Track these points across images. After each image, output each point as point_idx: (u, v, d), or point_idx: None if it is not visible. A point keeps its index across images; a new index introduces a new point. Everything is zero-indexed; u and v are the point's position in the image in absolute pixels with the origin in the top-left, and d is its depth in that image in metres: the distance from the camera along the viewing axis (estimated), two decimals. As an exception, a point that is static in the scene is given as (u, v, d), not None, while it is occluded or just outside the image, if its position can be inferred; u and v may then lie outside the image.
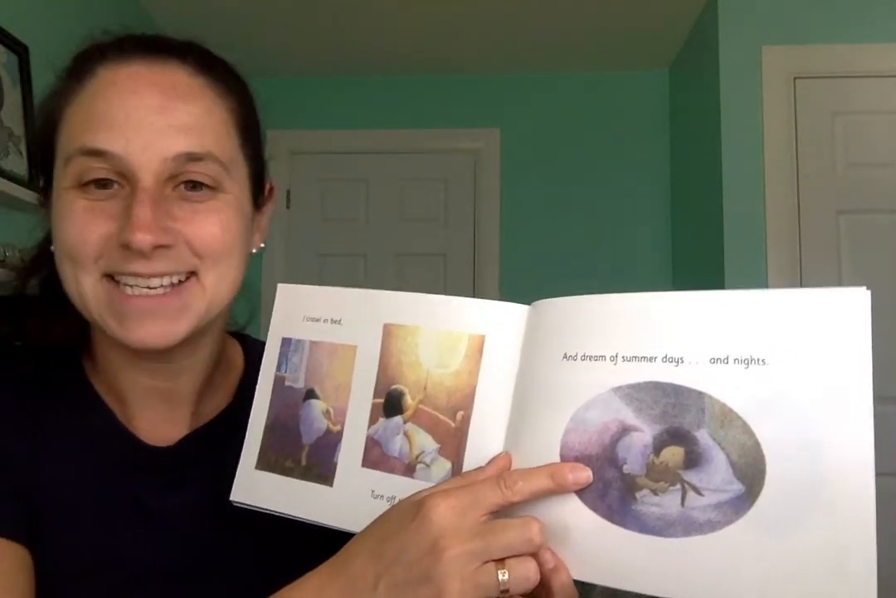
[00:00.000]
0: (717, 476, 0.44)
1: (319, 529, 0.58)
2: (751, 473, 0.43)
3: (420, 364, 0.55)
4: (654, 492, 0.45)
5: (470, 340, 0.54)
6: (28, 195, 1.90)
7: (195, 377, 0.69)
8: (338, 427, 0.58)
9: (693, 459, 0.45)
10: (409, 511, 0.48)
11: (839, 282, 2.38)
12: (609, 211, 3.13)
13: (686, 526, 0.44)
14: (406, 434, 0.55)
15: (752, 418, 0.44)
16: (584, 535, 0.47)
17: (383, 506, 0.53)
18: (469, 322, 0.55)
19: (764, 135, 2.41)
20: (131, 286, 0.59)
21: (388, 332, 0.57)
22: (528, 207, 3.16)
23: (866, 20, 2.41)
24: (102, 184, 0.59)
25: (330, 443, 0.58)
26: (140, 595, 0.63)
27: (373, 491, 0.55)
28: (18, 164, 1.91)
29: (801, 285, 2.37)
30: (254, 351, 0.76)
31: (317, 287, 0.62)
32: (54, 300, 0.66)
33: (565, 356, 0.50)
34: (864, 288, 0.43)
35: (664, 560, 0.44)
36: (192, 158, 0.59)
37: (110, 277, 0.60)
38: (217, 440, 0.69)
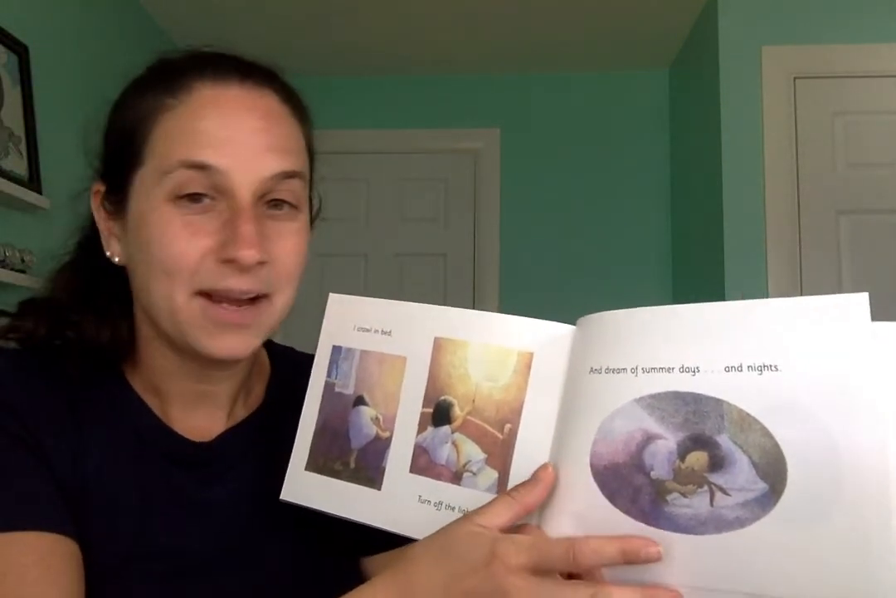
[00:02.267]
0: (742, 477, 0.46)
1: (353, 525, 0.62)
2: (773, 472, 0.46)
3: (469, 377, 0.58)
4: (684, 495, 0.48)
5: (519, 356, 0.57)
6: (28, 195, 1.90)
7: (235, 382, 0.72)
8: (386, 434, 0.61)
9: (717, 462, 0.47)
10: (480, 552, 0.49)
11: (839, 282, 2.38)
12: (609, 211, 3.14)
13: (717, 524, 0.47)
14: (454, 443, 0.58)
15: (769, 421, 0.46)
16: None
17: (429, 510, 0.57)
18: (518, 339, 0.57)
19: (764, 135, 2.41)
20: (222, 302, 0.63)
21: (438, 345, 0.60)
22: (528, 207, 3.16)
23: (866, 20, 2.41)
24: (196, 198, 0.61)
25: (378, 448, 0.61)
26: (181, 585, 0.65)
27: (420, 496, 0.58)
28: (18, 164, 1.91)
29: (801, 285, 2.37)
30: (278, 355, 0.80)
31: (367, 299, 0.65)
32: (101, 304, 0.68)
33: (591, 370, 0.53)
34: (865, 294, 0.45)
35: (700, 555, 0.47)
36: (286, 175, 0.63)
37: (202, 293, 0.62)
38: (251, 439, 0.73)
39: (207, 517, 0.68)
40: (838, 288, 2.36)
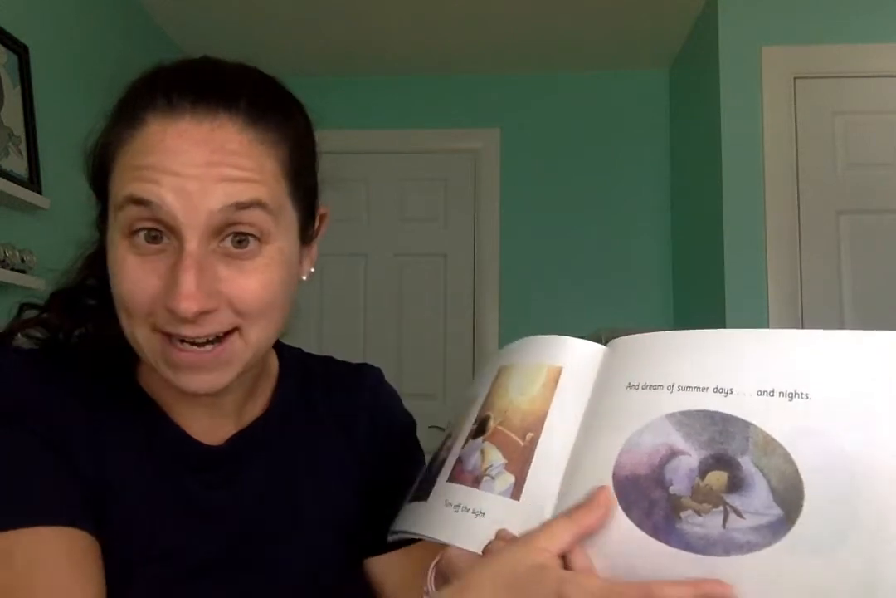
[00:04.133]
0: (758, 501, 0.46)
1: (358, 527, 0.67)
2: (789, 499, 0.46)
3: (507, 393, 0.62)
4: (698, 513, 0.48)
5: (549, 370, 0.60)
6: (28, 195, 1.90)
7: (237, 394, 0.72)
8: (446, 454, 0.64)
9: (736, 483, 0.47)
10: (546, 592, 0.48)
11: (839, 282, 2.38)
12: (609, 211, 3.13)
13: (726, 546, 0.46)
14: (482, 451, 0.60)
15: (792, 447, 0.47)
16: (629, 550, 0.50)
17: (450, 512, 0.58)
18: (551, 355, 0.61)
19: (764, 135, 2.41)
20: (180, 342, 0.61)
21: (499, 373, 0.65)
22: (528, 207, 3.16)
23: (866, 20, 2.41)
24: (153, 236, 0.60)
25: (436, 467, 0.64)
26: (189, 589, 0.65)
27: (446, 500, 0.60)
28: (18, 164, 1.91)
29: (801, 285, 2.37)
30: (286, 356, 0.79)
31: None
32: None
33: (629, 385, 0.54)
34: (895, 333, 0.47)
35: (703, 576, 0.47)
36: (240, 206, 0.59)
37: (160, 330, 0.61)
38: (260, 442, 0.72)
39: (216, 520, 0.68)
40: (838, 288, 2.37)
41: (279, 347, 0.79)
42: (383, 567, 0.77)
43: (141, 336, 0.62)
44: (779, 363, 0.49)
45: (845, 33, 2.41)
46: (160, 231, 0.59)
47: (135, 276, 0.60)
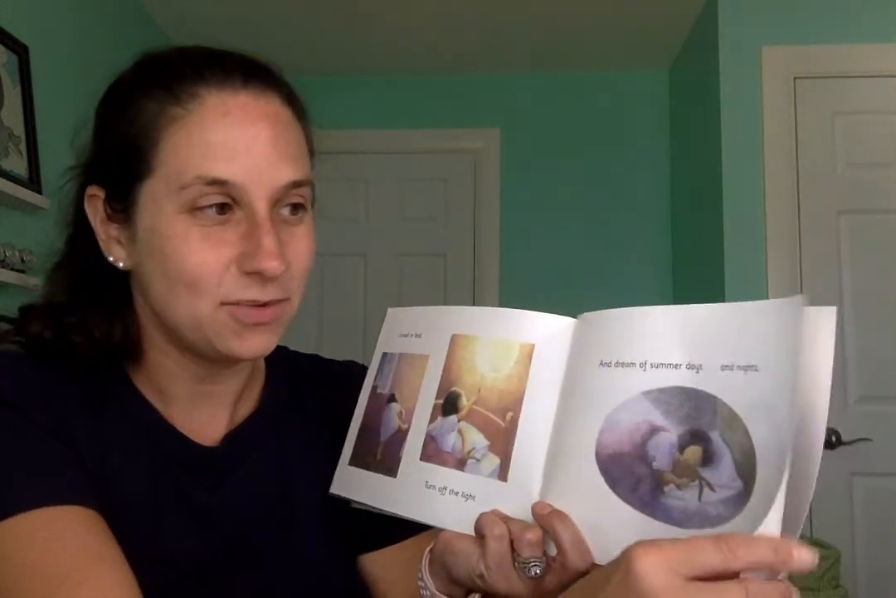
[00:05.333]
0: (725, 474, 0.48)
1: (354, 522, 0.68)
2: (747, 472, 0.47)
3: (476, 369, 0.61)
4: (678, 487, 0.49)
5: (521, 348, 0.60)
6: (28, 195, 1.90)
7: (239, 380, 0.73)
8: (406, 426, 0.65)
9: (708, 457, 0.49)
10: (615, 562, 0.44)
11: (839, 281, 2.38)
12: (609, 210, 3.14)
13: (701, 519, 0.48)
14: (460, 431, 0.60)
15: (749, 420, 0.47)
16: (617, 524, 0.51)
17: (434, 494, 0.59)
18: (521, 332, 0.60)
19: (764, 135, 2.41)
20: (247, 307, 0.63)
21: (454, 341, 0.64)
22: (528, 207, 3.16)
23: (866, 20, 2.41)
24: (214, 210, 0.61)
25: (398, 440, 0.65)
26: (189, 589, 0.65)
27: (426, 482, 0.61)
28: (18, 164, 1.91)
29: (801, 285, 2.37)
30: (274, 355, 0.78)
31: (414, 308, 0.71)
32: (105, 304, 0.68)
33: (602, 363, 0.55)
34: (833, 308, 0.48)
35: None
36: (297, 184, 0.64)
37: (226, 303, 0.62)
38: (253, 440, 0.73)
39: (213, 520, 0.68)
40: (838, 288, 2.37)
41: None
42: (377, 563, 0.77)
43: (207, 312, 0.62)
44: (738, 337, 0.49)
45: (845, 33, 2.41)
46: (227, 204, 0.62)
47: (204, 245, 0.61)
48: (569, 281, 3.09)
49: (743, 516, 0.46)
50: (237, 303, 0.62)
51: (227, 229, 0.62)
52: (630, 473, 0.51)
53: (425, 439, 0.62)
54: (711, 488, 0.48)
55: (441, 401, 0.62)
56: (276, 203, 0.63)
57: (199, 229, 0.61)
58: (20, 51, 1.96)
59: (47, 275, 0.71)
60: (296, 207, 0.65)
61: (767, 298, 2.31)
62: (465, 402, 0.61)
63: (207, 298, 0.62)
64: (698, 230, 2.77)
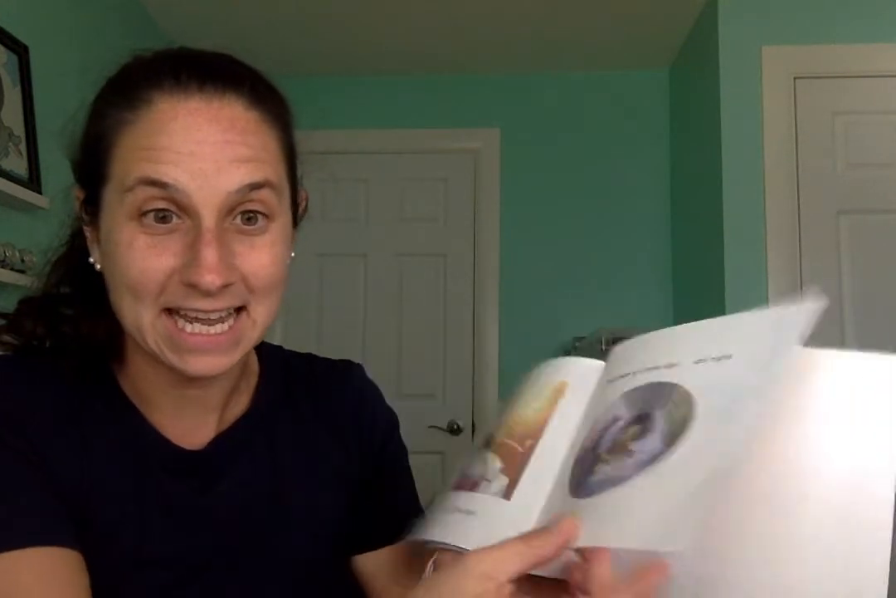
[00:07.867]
0: (650, 443, 0.50)
1: (344, 525, 0.70)
2: (670, 439, 0.49)
3: (514, 410, 0.63)
4: (607, 463, 0.51)
5: (554, 385, 0.62)
6: (28, 195, 1.90)
7: (225, 386, 0.71)
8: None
9: (642, 432, 0.51)
10: (453, 568, 0.48)
11: (839, 281, 2.37)
12: (609, 210, 3.13)
13: (605, 484, 0.49)
14: (484, 459, 0.61)
15: (703, 398, 0.50)
16: (556, 513, 0.52)
17: (445, 515, 0.59)
18: (558, 372, 0.63)
19: (764, 135, 2.41)
20: (191, 323, 0.61)
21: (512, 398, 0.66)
22: (528, 206, 3.16)
23: (866, 20, 2.41)
24: (161, 217, 0.60)
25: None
26: (179, 593, 0.65)
27: (445, 506, 0.61)
28: (18, 164, 1.91)
29: (802, 285, 2.37)
30: (268, 355, 0.79)
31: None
32: (95, 301, 0.67)
33: (608, 382, 0.58)
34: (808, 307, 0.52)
35: (596, 516, 0.49)
36: (253, 187, 0.61)
37: (168, 311, 0.61)
38: (243, 443, 0.72)
39: (203, 524, 0.68)
40: (838, 288, 2.37)
41: (259, 345, 0.78)
42: (371, 565, 0.77)
43: (147, 320, 0.61)
44: (711, 339, 0.53)
45: (845, 33, 2.41)
46: (170, 211, 0.60)
47: (147, 255, 0.60)
48: (569, 281, 3.09)
49: (649, 470, 0.47)
50: (178, 311, 0.61)
51: (173, 238, 0.60)
52: (581, 463, 0.53)
53: (458, 472, 0.63)
54: (631, 455, 0.49)
55: (483, 441, 0.64)
56: (229, 211, 0.61)
57: (146, 237, 0.60)
58: (20, 51, 1.96)
59: (45, 266, 0.71)
60: (256, 215, 0.62)
61: (767, 298, 2.33)
62: (497, 437, 0.62)
63: (148, 306, 0.61)
64: (698, 230, 2.77)
